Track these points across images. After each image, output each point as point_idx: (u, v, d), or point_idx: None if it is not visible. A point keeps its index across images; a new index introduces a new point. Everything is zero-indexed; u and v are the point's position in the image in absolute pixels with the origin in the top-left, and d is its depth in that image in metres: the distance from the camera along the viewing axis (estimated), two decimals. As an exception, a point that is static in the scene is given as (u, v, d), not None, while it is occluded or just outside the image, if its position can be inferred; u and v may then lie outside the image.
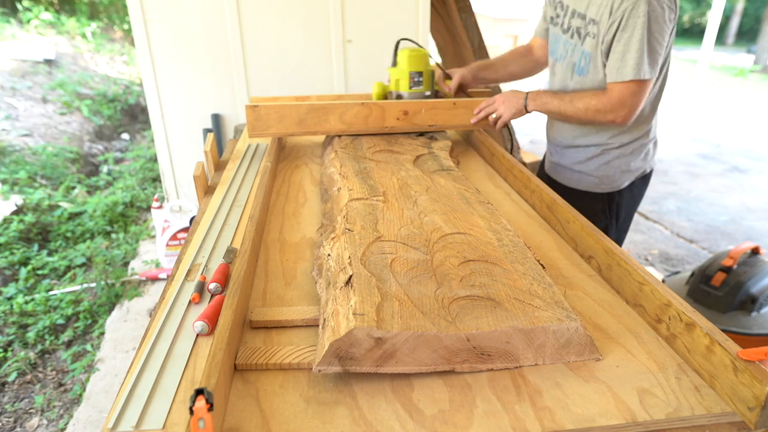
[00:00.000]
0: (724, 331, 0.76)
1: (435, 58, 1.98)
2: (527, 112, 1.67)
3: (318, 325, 0.86)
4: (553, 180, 1.84)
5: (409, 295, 0.81)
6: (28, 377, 2.30)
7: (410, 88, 1.80)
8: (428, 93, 1.83)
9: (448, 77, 1.92)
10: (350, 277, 0.84)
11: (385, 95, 1.89)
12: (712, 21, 11.16)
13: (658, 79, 1.57)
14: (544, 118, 1.80)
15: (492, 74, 1.96)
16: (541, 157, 2.08)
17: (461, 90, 1.93)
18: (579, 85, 1.64)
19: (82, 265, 3.16)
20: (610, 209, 1.76)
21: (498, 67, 1.97)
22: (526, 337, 0.77)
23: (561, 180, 1.81)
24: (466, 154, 1.83)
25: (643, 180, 1.76)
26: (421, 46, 1.84)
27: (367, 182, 1.28)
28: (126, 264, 3.20)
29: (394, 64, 1.86)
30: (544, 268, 0.95)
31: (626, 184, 1.72)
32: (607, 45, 1.50)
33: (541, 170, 1.96)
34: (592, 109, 1.54)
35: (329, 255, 0.98)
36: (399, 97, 1.82)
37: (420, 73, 1.79)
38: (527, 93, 1.66)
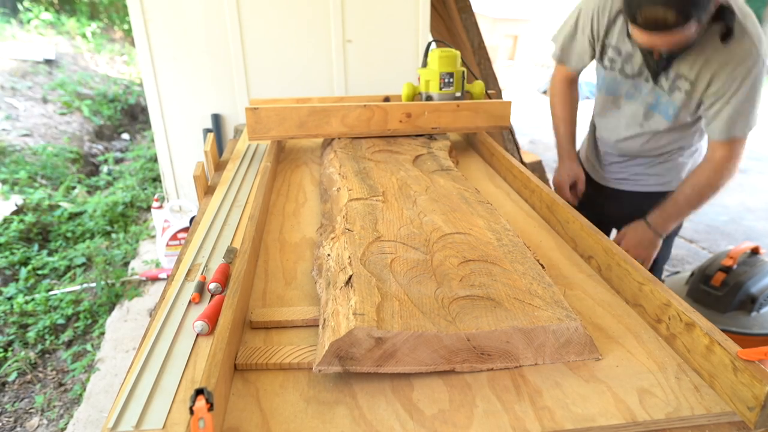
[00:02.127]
0: (723, 331, 0.76)
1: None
2: (662, 237, 1.66)
3: (318, 326, 0.86)
4: (616, 189, 1.87)
5: (409, 295, 0.81)
6: (28, 377, 2.30)
7: (440, 89, 1.77)
8: (458, 94, 1.80)
9: (474, 77, 1.91)
10: (350, 277, 0.84)
11: (415, 96, 1.86)
12: (712, 21, 11.13)
13: None
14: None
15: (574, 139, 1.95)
16: (540, 157, 2.08)
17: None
18: (657, 125, 1.65)
19: (82, 265, 3.16)
20: None
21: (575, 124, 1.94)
22: (526, 336, 0.77)
23: (618, 177, 1.84)
24: (466, 154, 1.83)
25: None
26: (451, 47, 1.81)
27: (367, 182, 1.28)
28: (126, 264, 3.20)
29: (425, 65, 1.83)
30: (543, 267, 0.95)
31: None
32: (708, 104, 1.49)
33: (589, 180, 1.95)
34: (705, 189, 1.55)
35: (329, 255, 0.98)
36: (429, 98, 1.80)
37: (451, 74, 1.76)
38: (649, 223, 1.63)
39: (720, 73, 1.43)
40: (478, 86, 1.86)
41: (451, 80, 1.77)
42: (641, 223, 1.64)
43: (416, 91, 1.85)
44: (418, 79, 1.85)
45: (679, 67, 1.51)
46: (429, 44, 1.87)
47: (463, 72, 1.81)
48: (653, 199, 1.69)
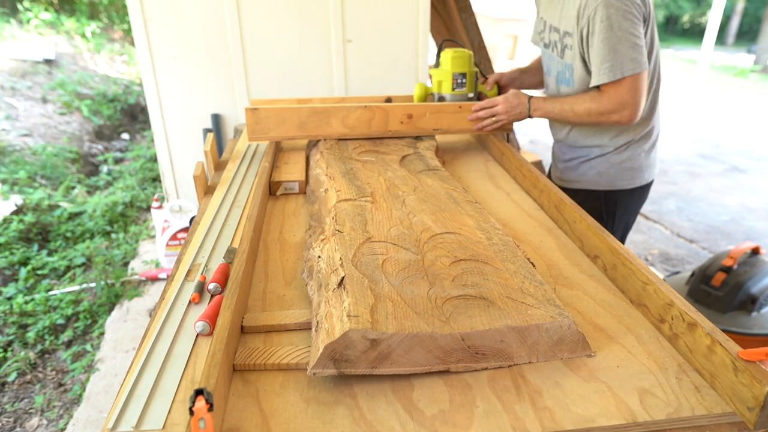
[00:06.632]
0: (724, 331, 0.76)
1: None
2: (530, 118, 1.66)
3: (311, 328, 0.86)
4: (559, 179, 1.84)
5: (402, 296, 0.81)
6: (28, 377, 2.29)
7: (453, 89, 1.76)
8: (471, 95, 1.79)
9: (484, 78, 1.91)
10: (342, 278, 0.84)
11: (427, 97, 1.84)
12: (712, 21, 11.15)
13: (651, 83, 1.58)
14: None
15: (531, 78, 1.93)
16: (540, 157, 2.08)
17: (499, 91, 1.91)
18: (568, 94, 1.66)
19: (82, 265, 3.16)
20: (608, 209, 1.75)
21: (536, 71, 1.93)
22: (520, 335, 0.77)
23: (566, 178, 1.82)
24: (465, 154, 1.83)
25: (643, 189, 1.75)
26: (463, 47, 1.80)
27: (355, 183, 1.28)
28: (126, 264, 3.20)
29: (437, 65, 1.82)
30: (534, 266, 0.95)
31: (628, 186, 1.72)
32: (586, 54, 1.51)
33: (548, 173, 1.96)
34: (594, 113, 1.53)
35: (319, 257, 0.97)
36: (441, 99, 1.79)
37: (464, 75, 1.75)
38: (530, 98, 1.64)
39: (580, 20, 1.48)
40: (419, 88, 1.84)
41: (464, 81, 1.76)
42: (523, 95, 1.66)
43: (429, 91, 1.84)
44: (431, 79, 1.84)
45: (561, 24, 1.55)
46: (441, 44, 1.85)
47: (476, 72, 1.80)
48: (600, 199, 1.72)
